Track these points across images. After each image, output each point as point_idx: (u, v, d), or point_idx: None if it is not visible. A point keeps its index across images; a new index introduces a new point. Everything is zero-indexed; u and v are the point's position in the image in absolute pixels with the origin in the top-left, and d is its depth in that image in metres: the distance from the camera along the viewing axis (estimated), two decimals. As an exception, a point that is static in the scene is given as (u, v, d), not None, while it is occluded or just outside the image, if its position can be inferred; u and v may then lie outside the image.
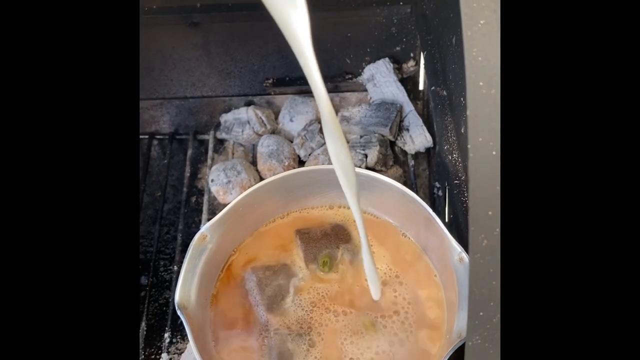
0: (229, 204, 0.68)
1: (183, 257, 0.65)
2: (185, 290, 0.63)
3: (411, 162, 0.89)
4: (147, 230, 0.90)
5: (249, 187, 0.70)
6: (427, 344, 0.65)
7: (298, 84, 0.97)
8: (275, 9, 0.43)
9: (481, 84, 0.40)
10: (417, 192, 0.72)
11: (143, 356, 0.77)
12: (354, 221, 0.61)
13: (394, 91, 0.92)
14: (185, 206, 0.89)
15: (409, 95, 0.92)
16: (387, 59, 0.94)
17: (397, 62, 0.96)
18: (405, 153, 0.91)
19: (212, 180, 0.85)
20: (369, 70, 0.95)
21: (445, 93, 0.82)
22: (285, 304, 0.68)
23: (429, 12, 0.89)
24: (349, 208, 0.75)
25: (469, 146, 0.40)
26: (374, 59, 0.95)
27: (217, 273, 0.70)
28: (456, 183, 0.72)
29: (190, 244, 0.65)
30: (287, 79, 0.98)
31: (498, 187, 0.39)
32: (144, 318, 0.79)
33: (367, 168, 0.82)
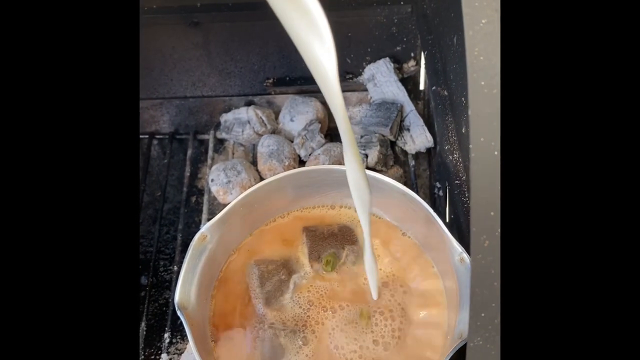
0: (229, 204, 0.68)
1: (183, 257, 0.65)
2: (185, 290, 0.63)
3: (412, 162, 0.89)
4: (147, 230, 0.90)
5: (249, 187, 0.69)
6: (427, 345, 0.64)
7: (298, 83, 0.97)
8: (303, 44, 0.42)
9: (482, 83, 0.39)
10: (417, 192, 0.72)
11: (143, 356, 0.77)
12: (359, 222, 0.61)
13: (395, 91, 0.92)
14: (185, 206, 0.89)
15: (409, 95, 0.91)
16: (387, 58, 0.94)
17: (398, 62, 0.95)
18: (405, 153, 0.90)
19: (212, 180, 0.85)
20: (370, 70, 0.94)
21: (446, 93, 0.82)
22: (283, 299, 0.68)
23: (429, 12, 0.89)
24: (350, 208, 0.75)
25: (470, 146, 0.39)
26: (374, 59, 0.95)
27: (217, 273, 0.70)
28: (457, 183, 0.72)
29: (190, 244, 0.65)
30: (288, 78, 0.97)
31: (499, 188, 0.39)
32: (144, 318, 0.79)
33: (368, 168, 0.82)
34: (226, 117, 0.94)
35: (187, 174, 0.92)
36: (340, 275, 0.70)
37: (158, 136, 0.99)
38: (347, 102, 0.96)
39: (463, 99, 0.71)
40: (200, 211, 0.87)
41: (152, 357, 0.77)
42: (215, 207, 0.87)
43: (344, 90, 1.07)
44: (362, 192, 0.55)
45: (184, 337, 0.77)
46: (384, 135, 0.87)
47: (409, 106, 0.91)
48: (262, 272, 0.69)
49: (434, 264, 0.70)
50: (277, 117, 0.94)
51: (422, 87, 0.96)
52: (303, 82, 0.96)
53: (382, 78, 0.93)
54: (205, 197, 0.87)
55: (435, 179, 0.86)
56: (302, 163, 0.89)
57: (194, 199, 0.93)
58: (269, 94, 0.98)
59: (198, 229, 0.68)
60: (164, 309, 0.82)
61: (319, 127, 0.89)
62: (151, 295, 0.82)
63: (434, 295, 0.68)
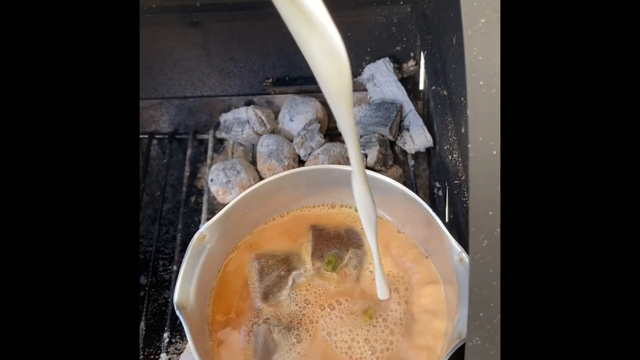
0: (228, 203, 0.68)
1: (182, 257, 0.65)
2: (184, 290, 0.63)
3: (411, 162, 0.89)
4: (147, 230, 0.90)
5: (248, 187, 0.69)
6: (426, 345, 0.64)
7: (298, 83, 0.97)
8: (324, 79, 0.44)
9: (481, 83, 0.39)
10: (417, 192, 0.72)
11: (142, 356, 0.77)
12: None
13: (394, 91, 0.92)
14: (184, 206, 0.89)
15: (409, 95, 0.91)
16: (387, 58, 0.94)
17: (397, 62, 0.95)
18: (405, 153, 0.90)
19: (212, 180, 0.85)
20: (369, 70, 0.94)
21: (445, 92, 0.82)
22: (281, 295, 0.68)
23: (429, 12, 0.89)
24: (350, 207, 0.75)
25: (469, 146, 0.39)
26: (374, 59, 0.95)
27: (216, 273, 0.70)
28: (456, 183, 0.72)
29: (190, 243, 0.65)
30: (287, 78, 0.98)
31: (498, 187, 0.39)
32: (143, 318, 0.79)
33: (367, 168, 0.82)
34: (226, 117, 0.94)
35: (187, 173, 0.92)
36: (339, 277, 0.70)
37: (157, 136, 0.99)
38: (347, 102, 0.96)
39: (462, 98, 0.71)
40: (200, 211, 0.87)
41: (152, 356, 0.77)
42: (215, 207, 0.87)
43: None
44: (369, 212, 0.57)
45: (183, 337, 0.77)
46: (383, 135, 0.87)
47: (408, 106, 0.91)
48: (262, 266, 0.69)
49: (433, 263, 0.70)
50: (276, 117, 0.94)
51: (421, 87, 0.96)
52: (302, 82, 0.96)
53: (381, 78, 0.93)
54: (205, 197, 0.87)
55: (435, 179, 0.86)
56: (301, 163, 0.89)
57: (193, 198, 0.93)
58: (269, 93, 0.98)
59: (197, 228, 0.68)
60: (163, 308, 0.82)
61: (319, 126, 0.89)
62: (150, 295, 0.82)
63: (433, 294, 0.68)
